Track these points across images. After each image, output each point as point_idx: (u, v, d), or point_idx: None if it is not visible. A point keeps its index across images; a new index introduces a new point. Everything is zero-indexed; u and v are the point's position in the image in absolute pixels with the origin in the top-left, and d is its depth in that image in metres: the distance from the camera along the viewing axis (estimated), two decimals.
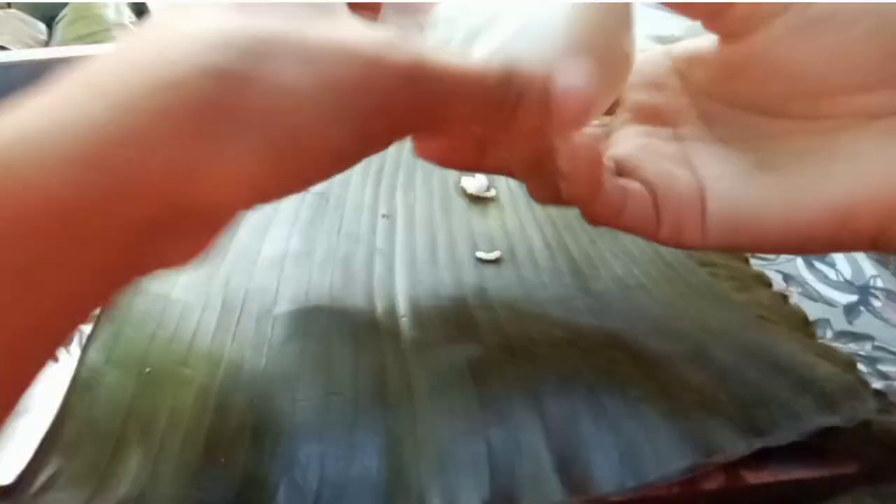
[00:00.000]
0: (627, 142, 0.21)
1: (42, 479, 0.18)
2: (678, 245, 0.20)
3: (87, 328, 0.24)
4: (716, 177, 0.19)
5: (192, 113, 0.14)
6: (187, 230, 0.16)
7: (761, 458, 0.22)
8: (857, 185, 0.17)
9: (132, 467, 0.19)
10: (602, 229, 0.33)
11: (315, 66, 0.15)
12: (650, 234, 0.20)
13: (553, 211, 0.34)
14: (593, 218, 0.20)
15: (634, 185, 0.20)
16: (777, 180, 0.18)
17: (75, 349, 0.24)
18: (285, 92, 0.15)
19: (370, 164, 0.35)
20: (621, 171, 0.21)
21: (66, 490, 0.18)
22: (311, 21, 0.16)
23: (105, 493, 0.18)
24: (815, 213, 0.18)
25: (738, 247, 0.20)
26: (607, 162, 0.21)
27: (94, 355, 0.22)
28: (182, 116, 0.14)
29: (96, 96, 0.13)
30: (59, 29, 0.39)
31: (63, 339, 0.15)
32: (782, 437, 0.22)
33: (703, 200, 0.19)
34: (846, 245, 0.19)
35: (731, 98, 0.20)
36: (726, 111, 0.20)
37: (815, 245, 0.19)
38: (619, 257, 0.32)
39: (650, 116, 0.21)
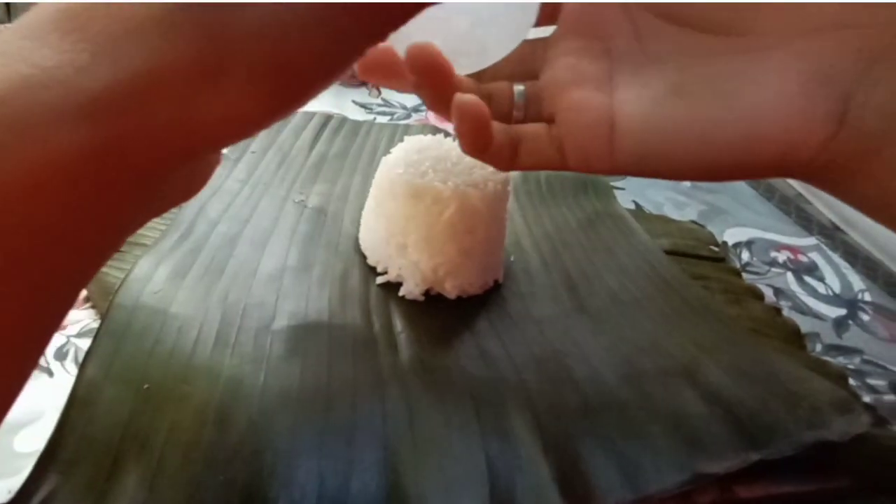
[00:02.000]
0: (557, 61, 0.21)
1: (39, 496, 0.18)
2: (588, 170, 0.20)
3: (84, 343, 0.24)
4: (631, 100, 0.19)
5: (187, 52, 0.13)
6: (191, 168, 0.16)
7: (753, 472, 0.22)
8: (761, 110, 0.17)
9: (130, 485, 0.18)
10: (598, 246, 0.34)
11: None
12: (557, 166, 0.21)
13: (550, 226, 0.35)
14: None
15: (529, 129, 0.21)
16: (691, 106, 0.18)
17: (72, 365, 0.24)
18: (267, 15, 0.14)
19: (368, 180, 0.36)
20: (542, 97, 0.21)
21: None
22: None
23: None
24: (721, 141, 0.18)
25: (648, 172, 0.20)
26: (517, 99, 0.21)
27: (92, 371, 0.22)
28: (177, 57, 0.13)
29: (82, 41, 0.13)
30: None
31: (82, 285, 0.15)
32: (777, 451, 0.22)
33: (612, 127, 0.19)
34: (752, 171, 0.21)
35: (669, 8, 0.20)
36: (659, 25, 0.20)
37: (722, 172, 0.19)
38: (613, 272, 0.32)
39: (586, 29, 0.22)
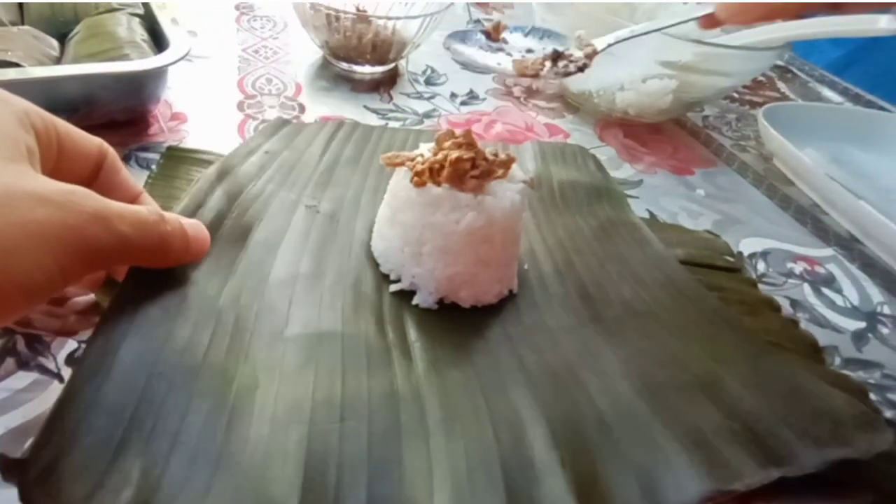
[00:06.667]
0: None
1: (45, 459, 0.17)
2: None
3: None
4: None
5: None
6: None
7: (772, 488, 0.22)
8: None
9: (133, 474, 0.18)
10: (612, 254, 0.33)
11: (3, 209, 0.16)
12: None
13: (563, 234, 0.35)
14: None
15: None
16: None
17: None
18: None
19: (380, 185, 0.35)
20: None
21: (64, 478, 0.17)
22: None
23: (103, 496, 0.17)
24: None
25: None
26: None
27: (101, 344, 0.20)
28: None
29: None
30: (72, 46, 0.39)
31: None
32: (799, 468, 0.22)
33: None
34: None
35: None
36: None
37: None
38: (628, 282, 0.32)
39: None
